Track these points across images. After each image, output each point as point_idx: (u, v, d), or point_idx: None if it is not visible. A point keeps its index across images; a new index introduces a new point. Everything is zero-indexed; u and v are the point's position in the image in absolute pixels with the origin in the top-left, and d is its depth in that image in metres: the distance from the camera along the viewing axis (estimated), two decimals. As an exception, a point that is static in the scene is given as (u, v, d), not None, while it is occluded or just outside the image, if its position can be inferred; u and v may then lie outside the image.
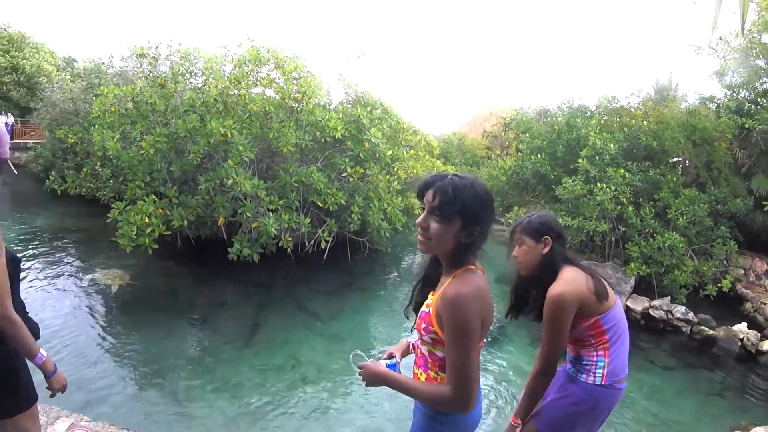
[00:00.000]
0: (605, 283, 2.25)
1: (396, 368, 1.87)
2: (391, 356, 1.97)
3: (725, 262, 9.46)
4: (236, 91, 8.26)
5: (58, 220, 11.88)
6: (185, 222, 7.27)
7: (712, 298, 8.58)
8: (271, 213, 7.32)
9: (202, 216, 7.85)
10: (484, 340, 1.73)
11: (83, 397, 4.72)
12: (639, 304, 8.60)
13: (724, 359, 7.37)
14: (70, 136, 12.13)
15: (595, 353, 2.24)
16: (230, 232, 7.90)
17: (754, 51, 8.89)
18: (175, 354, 5.91)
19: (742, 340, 7.61)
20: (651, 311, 8.46)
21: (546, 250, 2.26)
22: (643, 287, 9.12)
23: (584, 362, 2.26)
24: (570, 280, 2.16)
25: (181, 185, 8.14)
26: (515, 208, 12.06)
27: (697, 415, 5.90)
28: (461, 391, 1.54)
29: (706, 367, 7.14)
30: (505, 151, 17.18)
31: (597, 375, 2.22)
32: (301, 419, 4.83)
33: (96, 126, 8.34)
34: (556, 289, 2.13)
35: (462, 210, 1.53)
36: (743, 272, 9.90)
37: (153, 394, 5.04)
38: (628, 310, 8.45)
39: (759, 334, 7.71)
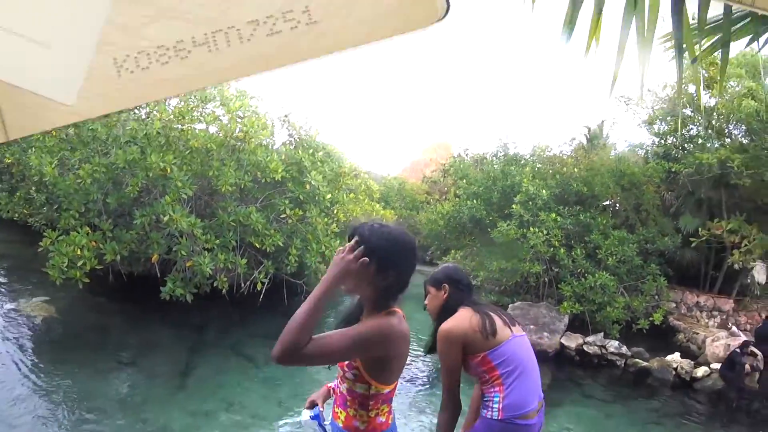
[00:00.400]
0: (497, 321, 2.41)
1: (319, 418, 1.93)
2: (313, 404, 2.02)
3: (656, 297, 10.04)
4: (179, 126, 8.19)
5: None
6: (118, 257, 7.04)
7: (645, 331, 9.06)
8: (207, 252, 7.20)
9: (135, 252, 7.60)
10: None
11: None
12: (573, 341, 8.95)
13: (659, 389, 7.70)
14: (7, 156, 11.47)
15: (492, 389, 2.38)
16: (164, 269, 7.67)
17: (680, 101, 9.76)
18: (103, 394, 5.66)
19: (676, 369, 8.03)
20: (585, 347, 8.81)
21: (444, 296, 2.47)
22: (577, 324, 9.44)
23: (485, 398, 2.41)
24: (458, 318, 2.37)
25: (117, 218, 7.87)
26: (452, 251, 12.45)
27: None
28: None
29: (643, 397, 7.43)
30: (444, 196, 17.74)
31: (494, 410, 2.35)
32: None
33: (34, 149, 8.01)
34: (444, 325, 2.36)
35: (374, 253, 1.58)
36: (674, 305, 10.52)
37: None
38: (563, 348, 8.81)
39: (692, 363, 8.16)
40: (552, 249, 9.69)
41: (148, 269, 8.18)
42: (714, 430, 6.57)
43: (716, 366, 7.81)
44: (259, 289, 7.77)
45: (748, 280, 10.42)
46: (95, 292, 8.26)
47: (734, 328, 8.97)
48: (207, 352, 7.27)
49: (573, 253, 9.77)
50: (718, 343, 8.44)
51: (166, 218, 6.86)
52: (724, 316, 10.09)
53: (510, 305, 9.83)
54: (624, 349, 8.58)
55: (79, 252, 6.58)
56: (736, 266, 9.78)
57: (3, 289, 8.41)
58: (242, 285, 8.00)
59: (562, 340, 8.97)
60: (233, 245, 7.63)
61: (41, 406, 5.22)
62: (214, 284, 7.53)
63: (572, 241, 10.15)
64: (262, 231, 7.54)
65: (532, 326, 9.11)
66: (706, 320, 10.05)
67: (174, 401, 5.73)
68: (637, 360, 8.43)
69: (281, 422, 5.54)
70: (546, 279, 10.20)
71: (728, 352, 7.79)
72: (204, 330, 7.94)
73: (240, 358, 7.19)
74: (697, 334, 9.40)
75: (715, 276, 10.75)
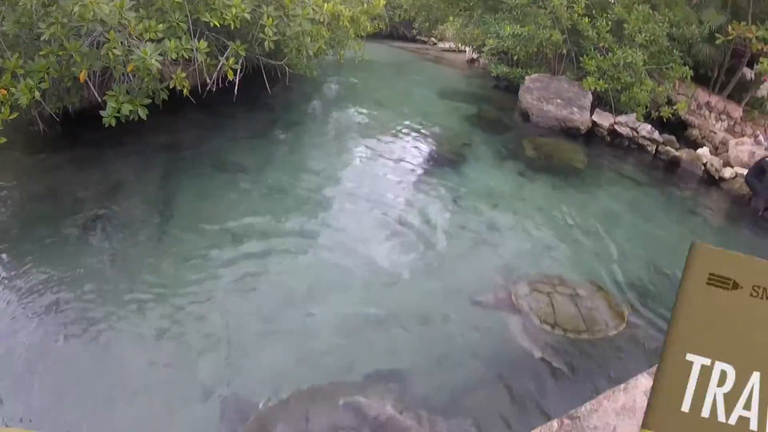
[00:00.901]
0: None
1: None
2: None
3: (676, 87, 9.48)
4: None
5: None
6: (37, 94, 5.17)
7: (665, 120, 8.61)
8: (150, 43, 5.30)
9: (58, 80, 5.67)
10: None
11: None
12: (605, 120, 8.30)
13: (688, 181, 7.47)
14: None
15: None
16: (105, 90, 5.84)
17: None
18: (75, 271, 4.55)
19: (705, 164, 7.70)
20: (617, 127, 8.26)
21: None
22: (597, 104, 8.78)
23: None
24: None
25: (26, 49, 5.72)
26: (449, 18, 10.64)
27: (678, 230, 5.96)
28: None
29: (675, 186, 7.20)
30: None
31: None
32: (262, 296, 4.19)
33: None
34: None
35: None
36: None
37: (57, 329, 3.95)
38: (594, 125, 8.18)
39: (721, 161, 7.81)
40: (574, 17, 8.59)
41: (86, 98, 6.37)
42: (741, 233, 6.41)
43: (741, 171, 7.46)
44: (231, 80, 6.08)
45: (758, 94, 9.96)
46: (32, 151, 6.70)
47: (761, 137, 8.31)
48: (185, 175, 5.93)
49: (597, 25, 8.63)
50: (743, 148, 7.92)
51: (75, 7, 4.77)
52: (732, 122, 9.69)
53: (527, 77, 8.65)
54: (656, 135, 8.07)
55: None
56: (748, 76, 9.39)
57: None
58: (208, 80, 6.31)
59: (594, 118, 8.30)
60: (184, 29, 5.66)
61: (16, 306, 4.24)
62: (172, 87, 5.80)
63: (594, 12, 8.95)
64: (218, 2, 5.53)
65: (558, 100, 8.25)
66: (714, 122, 9.60)
67: (163, 251, 4.73)
68: (668, 148, 8.00)
69: (299, 233, 4.79)
70: (564, 51, 9.20)
71: (754, 160, 7.42)
72: (175, 149, 6.44)
73: (228, 172, 5.99)
74: (715, 133, 9.05)
75: (726, 82, 10.10)
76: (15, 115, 5.18)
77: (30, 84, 5.21)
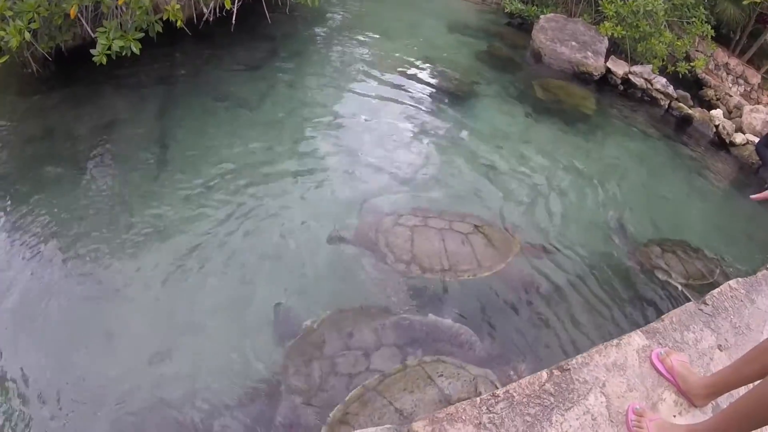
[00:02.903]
0: None
1: None
2: None
3: (695, 43, 9.17)
4: None
5: None
6: (27, 35, 5.11)
7: (681, 76, 8.47)
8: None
9: (48, 18, 5.55)
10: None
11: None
12: (620, 68, 8.14)
13: (698, 141, 7.41)
14: None
15: None
16: (98, 25, 5.74)
17: None
18: (72, 210, 4.65)
19: (717, 126, 7.60)
20: (631, 77, 8.11)
21: None
22: (612, 51, 8.55)
23: None
24: None
25: None
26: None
27: (682, 188, 6.03)
28: None
29: (685, 144, 7.16)
30: None
31: None
32: (261, 230, 4.31)
33: None
34: None
35: None
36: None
37: (55, 268, 4.10)
38: (608, 72, 8.04)
39: (734, 126, 7.69)
40: None
41: (81, 35, 6.24)
42: (745, 201, 6.23)
43: (752, 138, 7.35)
44: (228, 9, 5.98)
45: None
46: (25, 93, 6.55)
47: (776, 106, 8.20)
48: (182, 108, 5.91)
49: None
50: (757, 116, 7.80)
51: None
52: (749, 88, 9.54)
53: (542, 17, 8.41)
54: (671, 89, 7.89)
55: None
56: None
57: None
58: (204, 10, 6.21)
59: (608, 64, 8.13)
60: (175, -47, 5.54)
61: (15, 246, 4.36)
62: (166, 19, 5.72)
63: None
64: None
65: (573, 43, 8.04)
66: (730, 85, 9.41)
67: (161, 187, 4.81)
68: (681, 105, 7.86)
69: (300, 171, 4.91)
70: None
71: (767, 129, 7.39)
72: (171, 83, 6.38)
73: (226, 104, 5.96)
74: (731, 96, 8.83)
75: (747, 45, 9.86)
76: (5, 58, 5.16)
77: (19, 25, 5.13)
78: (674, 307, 3.30)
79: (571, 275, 4.21)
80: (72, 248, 4.28)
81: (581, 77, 7.72)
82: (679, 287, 4.26)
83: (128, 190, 4.83)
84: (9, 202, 4.98)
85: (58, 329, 3.68)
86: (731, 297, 2.87)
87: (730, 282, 2.99)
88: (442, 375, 2.75)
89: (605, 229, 4.79)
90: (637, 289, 4.23)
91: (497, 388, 2.55)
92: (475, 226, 4.20)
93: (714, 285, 3.89)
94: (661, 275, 4.35)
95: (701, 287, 4.22)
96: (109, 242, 4.29)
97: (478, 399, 2.14)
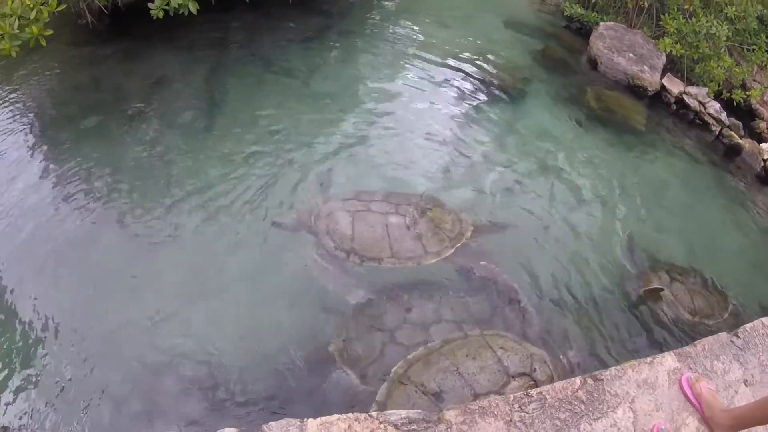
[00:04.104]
0: None
1: None
2: None
3: (753, 72, 8.74)
4: None
5: None
6: None
7: (735, 104, 8.08)
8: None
9: None
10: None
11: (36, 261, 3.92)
12: (675, 87, 7.94)
13: (745, 172, 7.17)
14: None
15: None
16: None
17: None
18: (114, 162, 4.79)
19: (765, 161, 7.28)
20: (685, 97, 7.85)
21: None
22: (667, 68, 8.29)
23: None
24: None
25: None
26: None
27: (723, 221, 5.85)
28: None
29: (731, 174, 6.97)
30: None
31: None
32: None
33: None
34: None
35: None
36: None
37: (91, 217, 4.24)
38: (663, 89, 7.86)
39: None
40: None
41: None
42: None
43: None
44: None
45: None
46: (79, 43, 6.73)
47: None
48: (233, 74, 6.03)
49: None
50: None
51: None
52: None
53: (601, 24, 8.28)
54: (723, 116, 7.61)
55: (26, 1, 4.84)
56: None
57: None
58: (263, -21, 6.26)
59: (664, 81, 7.91)
60: None
61: (56, 191, 4.52)
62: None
63: None
64: None
65: (631, 54, 7.91)
66: None
67: (207, 148, 4.92)
68: (732, 133, 7.56)
69: (343, 144, 4.96)
70: (645, 4, 8.69)
71: None
72: (223, 47, 6.49)
73: (277, 75, 6.05)
74: None
75: None
76: (63, 7, 5.23)
77: (77, -25, 5.26)
78: (655, 338, 3.42)
79: (540, 276, 4.04)
80: (111, 198, 4.43)
81: (635, 90, 7.60)
82: (672, 320, 3.99)
83: (171, 147, 4.95)
84: (52, 148, 5.16)
85: (89, 274, 3.83)
86: (762, 334, 2.88)
87: (763, 319, 2.99)
88: (502, 347, 2.84)
89: (618, 243, 4.68)
90: (623, 311, 4.04)
91: (551, 369, 2.62)
92: (424, 210, 4.00)
93: (714, 326, 3.91)
94: (663, 305, 4.07)
95: (701, 326, 4.01)
96: (148, 197, 4.42)
97: (511, 396, 2.20)
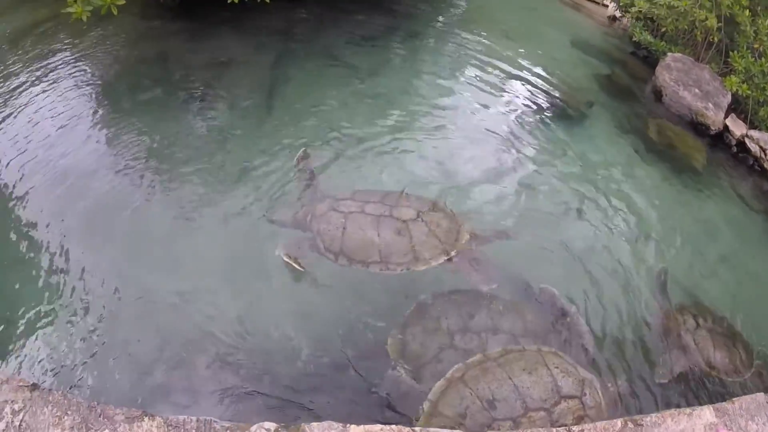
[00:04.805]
0: None
1: None
2: None
3: None
4: None
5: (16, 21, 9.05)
6: None
7: None
8: None
9: None
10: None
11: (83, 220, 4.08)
12: (738, 128, 7.65)
13: None
14: None
15: None
16: None
17: None
18: (178, 136, 4.95)
19: None
20: (747, 141, 7.55)
21: None
22: (732, 108, 7.96)
23: None
24: None
25: None
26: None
27: None
28: None
29: None
30: None
31: None
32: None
33: None
34: None
35: None
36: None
37: (159, 198, 4.37)
38: (725, 129, 7.62)
39: None
40: (736, 7, 7.74)
41: None
42: None
43: None
44: (359, -23, 6.13)
45: None
46: (148, 17, 7.01)
47: None
48: (295, 63, 6.15)
49: (758, 23, 7.73)
50: None
51: None
52: None
53: (669, 54, 8.11)
54: None
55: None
56: None
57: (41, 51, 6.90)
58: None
59: (728, 122, 7.66)
60: None
61: (115, 159, 4.69)
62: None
63: (758, 8, 7.99)
64: None
65: (696, 90, 7.72)
66: None
67: (261, 132, 5.03)
68: None
69: (394, 148, 4.93)
70: (715, 39, 8.38)
71: None
72: (289, 36, 6.62)
73: (338, 69, 6.14)
74: None
75: None
76: None
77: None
78: (659, 390, 3.37)
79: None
80: (162, 169, 4.56)
81: (697, 127, 7.42)
82: (687, 368, 3.78)
83: (227, 129, 5.08)
84: (113, 114, 5.36)
85: (132, 239, 3.96)
86: (799, 401, 2.80)
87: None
88: (557, 367, 2.86)
89: (651, 277, 4.51)
90: (637, 346, 3.88)
91: (599, 396, 2.62)
92: (419, 213, 3.80)
93: (729, 384, 3.75)
94: (679, 350, 3.86)
95: (716, 381, 3.80)
96: (199, 173, 4.53)
97: (554, 429, 2.20)
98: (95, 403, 2.19)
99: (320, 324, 3.45)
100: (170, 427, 2.11)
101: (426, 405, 2.68)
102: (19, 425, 2.08)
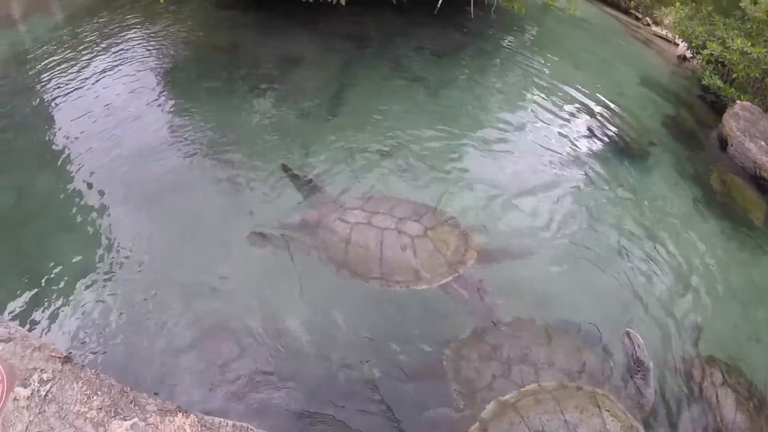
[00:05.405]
0: None
1: None
2: None
3: None
4: None
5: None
6: None
7: None
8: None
9: None
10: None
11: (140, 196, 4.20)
12: None
13: None
14: None
15: None
16: None
17: None
18: (240, 126, 5.06)
19: None
20: None
21: None
22: None
23: None
24: None
25: None
26: (676, 4, 9.73)
27: None
28: None
29: None
30: None
31: None
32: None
33: None
34: None
35: None
36: None
37: (213, 186, 4.42)
38: None
39: None
40: None
41: None
42: None
43: None
44: (435, -8, 6.13)
45: None
46: (222, 5, 7.25)
47: None
48: (364, 69, 6.24)
49: None
50: None
51: None
52: None
53: (738, 102, 7.90)
54: None
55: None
56: None
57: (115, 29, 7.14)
58: (410, -13, 6.39)
59: None
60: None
61: (173, 140, 4.84)
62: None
63: None
64: None
65: (762, 142, 7.47)
66: None
67: (324, 133, 5.07)
68: None
69: (458, 161, 4.92)
70: None
71: None
72: (361, 42, 6.71)
73: (406, 80, 6.17)
74: None
75: None
76: None
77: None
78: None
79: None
80: (220, 157, 4.68)
81: (760, 182, 7.20)
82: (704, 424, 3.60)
83: (289, 126, 5.16)
84: (177, 97, 5.55)
85: (184, 222, 4.05)
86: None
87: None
88: (608, 410, 2.87)
89: (684, 326, 4.32)
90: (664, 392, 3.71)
91: None
92: (427, 228, 3.69)
93: None
94: (702, 404, 3.66)
95: None
96: (256, 166, 4.61)
97: None
98: (128, 388, 2.13)
99: (361, 337, 3.40)
100: (204, 428, 2.05)
101: (475, 426, 2.71)
102: (45, 395, 2.02)
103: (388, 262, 3.50)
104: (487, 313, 3.52)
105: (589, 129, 6.30)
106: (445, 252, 3.60)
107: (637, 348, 3.53)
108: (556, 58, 7.40)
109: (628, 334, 3.63)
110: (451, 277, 3.53)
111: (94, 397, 2.04)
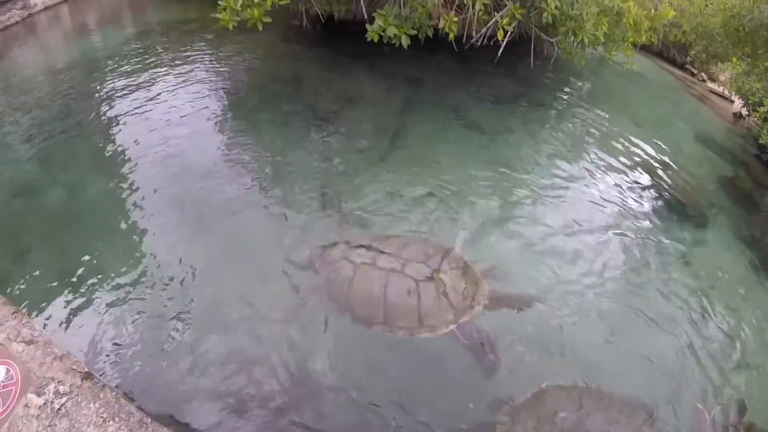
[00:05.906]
0: None
1: None
2: None
3: None
4: None
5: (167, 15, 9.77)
6: None
7: None
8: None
9: None
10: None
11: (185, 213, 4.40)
12: None
13: None
14: None
15: None
16: (373, 8, 6.29)
17: None
18: (295, 157, 5.21)
19: None
20: None
21: None
22: None
23: None
24: None
25: None
26: (731, 60, 9.63)
27: None
28: None
29: None
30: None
31: None
32: None
33: None
34: None
35: None
36: None
37: (261, 212, 4.56)
38: None
39: None
40: None
41: (353, 10, 7.03)
42: None
43: None
44: (499, 39, 6.18)
45: None
46: (288, 39, 7.53)
47: None
48: (422, 112, 6.38)
49: None
50: None
51: None
52: None
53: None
54: None
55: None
56: None
57: (185, 51, 7.57)
58: (474, 34, 6.52)
59: None
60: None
61: (227, 163, 5.06)
62: (439, 27, 6.12)
63: None
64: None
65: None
66: None
67: (375, 172, 5.19)
68: None
69: (498, 200, 5.04)
70: None
71: None
72: (420, 85, 6.88)
73: (462, 127, 6.26)
74: None
75: None
76: (287, 0, 5.68)
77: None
78: None
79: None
80: (270, 187, 4.82)
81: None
82: None
83: (343, 164, 5.28)
84: (237, 121, 5.83)
85: (227, 243, 4.15)
86: None
87: None
88: None
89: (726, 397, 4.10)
90: None
91: None
92: (434, 271, 3.52)
93: None
94: None
95: None
96: (305, 200, 4.72)
97: None
98: (149, 419, 2.02)
99: (388, 387, 3.27)
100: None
101: None
102: (58, 409, 1.91)
103: (392, 307, 3.36)
104: (492, 367, 3.36)
105: (644, 184, 6.27)
106: (452, 297, 3.44)
107: (703, 425, 3.46)
108: (612, 112, 7.40)
109: (696, 409, 3.55)
110: (453, 326, 3.37)
111: (111, 422, 1.95)
